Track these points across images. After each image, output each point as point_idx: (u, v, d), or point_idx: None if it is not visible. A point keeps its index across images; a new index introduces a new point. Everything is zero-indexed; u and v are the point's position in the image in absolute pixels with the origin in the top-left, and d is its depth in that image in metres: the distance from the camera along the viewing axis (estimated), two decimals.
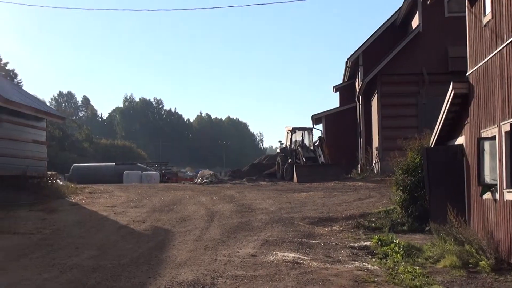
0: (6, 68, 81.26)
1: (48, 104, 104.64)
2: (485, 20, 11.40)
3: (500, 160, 10.36)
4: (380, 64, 28.98)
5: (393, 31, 31.82)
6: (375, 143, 29.75)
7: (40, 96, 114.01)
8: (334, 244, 12.66)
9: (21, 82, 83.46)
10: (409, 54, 28.64)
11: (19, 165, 22.59)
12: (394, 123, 27.95)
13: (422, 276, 9.43)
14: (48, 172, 26.22)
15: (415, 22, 29.29)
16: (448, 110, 13.08)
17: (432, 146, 14.62)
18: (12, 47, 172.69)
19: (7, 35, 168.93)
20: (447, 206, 11.88)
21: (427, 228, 13.87)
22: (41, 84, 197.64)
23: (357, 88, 34.11)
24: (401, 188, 15.40)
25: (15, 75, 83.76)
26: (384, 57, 29.00)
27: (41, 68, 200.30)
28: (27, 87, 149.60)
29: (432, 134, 14.69)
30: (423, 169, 14.64)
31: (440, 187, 13.75)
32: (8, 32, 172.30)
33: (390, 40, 30.59)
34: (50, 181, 25.24)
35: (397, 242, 12.04)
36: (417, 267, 10.15)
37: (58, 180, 27.23)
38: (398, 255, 11.09)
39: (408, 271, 9.78)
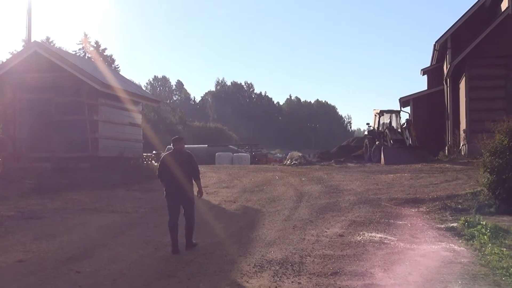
0: (105, 54, 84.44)
1: (144, 89, 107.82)
2: None
3: None
4: (468, 47, 28.33)
5: (482, 14, 31.31)
6: (463, 125, 29.20)
7: (136, 80, 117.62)
8: (420, 225, 12.63)
9: (118, 67, 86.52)
10: (497, 37, 27.80)
11: (116, 147, 23.65)
12: (482, 105, 27.25)
13: (509, 258, 9.28)
14: (144, 154, 27.24)
15: (504, 4, 28.45)
16: None
17: None
18: (110, 34, 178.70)
19: (105, 22, 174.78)
20: None
21: None
22: (137, 69, 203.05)
23: (445, 71, 33.55)
24: (488, 170, 15.10)
25: (113, 61, 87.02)
26: (473, 40, 28.32)
27: (137, 53, 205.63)
28: (124, 72, 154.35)
29: None
30: (511, 151, 14.40)
31: None
32: (106, 19, 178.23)
33: (478, 23, 30.04)
34: (145, 162, 26.21)
35: (484, 223, 11.85)
36: (504, 249, 9.95)
37: (153, 161, 28.14)
38: (485, 236, 10.93)
39: (495, 252, 9.66)
